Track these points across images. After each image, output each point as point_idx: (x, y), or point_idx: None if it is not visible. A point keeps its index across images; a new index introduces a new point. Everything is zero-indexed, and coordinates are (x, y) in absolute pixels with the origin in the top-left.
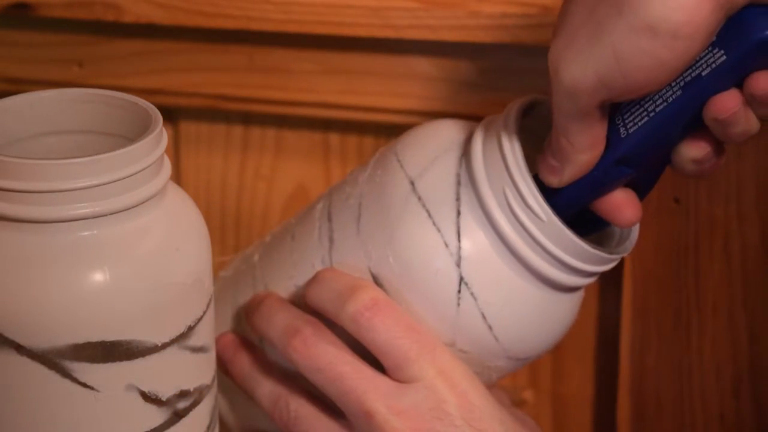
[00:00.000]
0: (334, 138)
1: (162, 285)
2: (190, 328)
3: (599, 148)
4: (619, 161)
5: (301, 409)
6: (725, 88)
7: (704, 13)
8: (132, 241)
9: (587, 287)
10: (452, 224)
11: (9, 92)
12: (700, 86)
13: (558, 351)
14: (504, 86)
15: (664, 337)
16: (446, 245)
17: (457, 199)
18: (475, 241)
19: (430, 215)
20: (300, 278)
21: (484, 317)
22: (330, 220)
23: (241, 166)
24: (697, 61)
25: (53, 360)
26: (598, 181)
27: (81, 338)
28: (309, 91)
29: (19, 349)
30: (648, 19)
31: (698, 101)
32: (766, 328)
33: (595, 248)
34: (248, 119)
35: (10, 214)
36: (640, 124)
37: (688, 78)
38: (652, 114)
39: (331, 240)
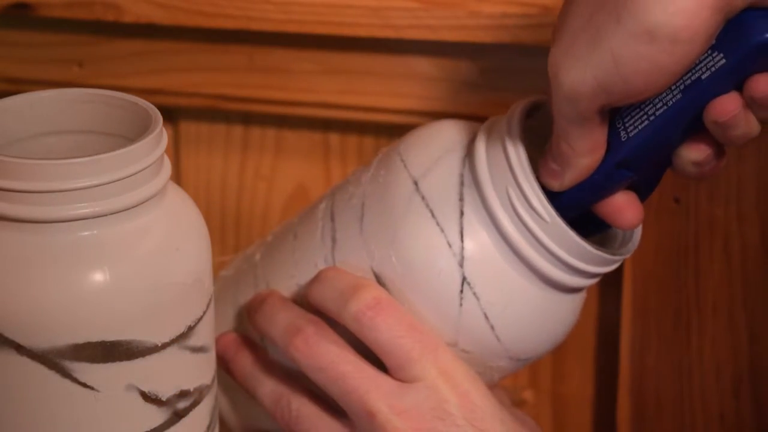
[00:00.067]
0: (334, 138)
1: (162, 285)
2: (190, 328)
3: (600, 152)
4: (620, 164)
5: (302, 408)
6: (725, 91)
7: (703, 17)
8: (132, 241)
9: (588, 288)
10: (455, 224)
11: (9, 92)
12: (700, 89)
13: (558, 351)
14: (504, 86)
15: (664, 337)
16: (449, 245)
17: (461, 199)
18: (478, 242)
19: (433, 215)
20: (302, 277)
21: (486, 317)
22: (333, 219)
23: (241, 166)
24: (697, 65)
25: (53, 360)
26: (599, 184)
27: (81, 338)
28: (309, 91)
29: (19, 349)
30: (647, 24)
31: (698, 104)
32: (766, 328)
33: (598, 249)
34: (248, 119)
35: (10, 214)
36: (640, 127)
37: (688, 81)
38: (652, 117)
39: (333, 239)
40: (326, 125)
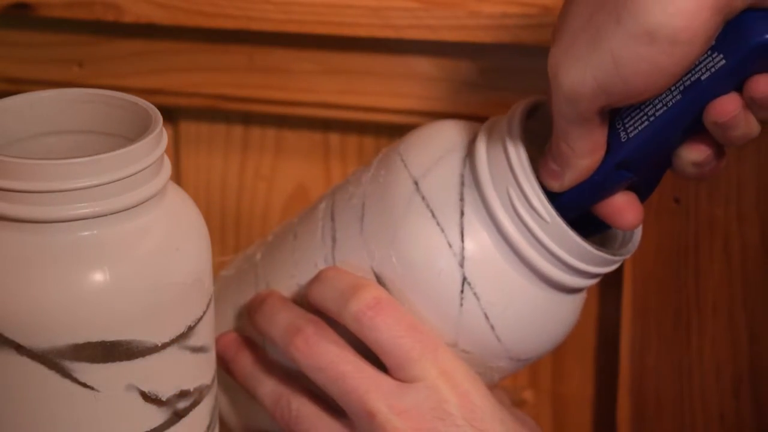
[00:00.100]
0: (334, 138)
1: (162, 285)
2: (190, 328)
3: (600, 153)
4: (620, 165)
5: (302, 408)
6: (725, 92)
7: (703, 18)
8: (132, 241)
9: (588, 288)
10: (456, 224)
11: (9, 92)
12: (700, 90)
13: (558, 351)
14: (504, 86)
15: (664, 337)
16: (449, 245)
17: (461, 199)
18: (479, 242)
19: (433, 215)
20: (302, 277)
21: (486, 317)
22: (333, 219)
23: (241, 166)
24: (697, 66)
25: (53, 360)
26: (598, 185)
27: (81, 338)
28: (309, 91)
29: (19, 349)
30: (647, 25)
31: (698, 105)
32: (766, 328)
33: (598, 250)
34: (248, 119)
35: (10, 214)
36: (640, 128)
37: (688, 82)
38: (652, 118)
39: (333, 239)
40: (326, 125)
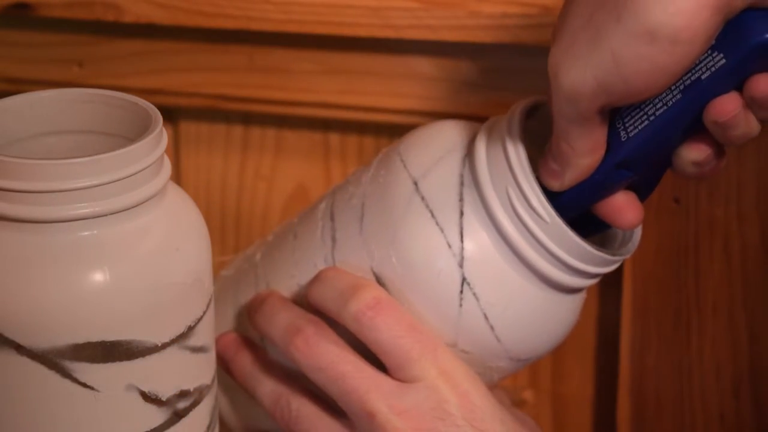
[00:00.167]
0: (334, 138)
1: (162, 285)
2: (190, 328)
3: (600, 152)
4: (620, 165)
5: (302, 408)
6: (725, 91)
7: (703, 17)
8: (132, 241)
9: (588, 288)
10: (455, 225)
11: (9, 92)
12: (700, 90)
13: (558, 351)
14: (504, 86)
15: (664, 337)
16: (449, 246)
17: (461, 199)
18: (478, 242)
19: (433, 215)
20: (302, 277)
21: (486, 318)
22: (333, 219)
23: (241, 166)
24: (697, 65)
25: (53, 360)
26: (598, 184)
27: (81, 338)
28: (309, 91)
29: (19, 349)
30: (647, 24)
31: (698, 104)
32: (766, 328)
33: (598, 250)
34: (248, 119)
35: (10, 214)
36: (640, 127)
37: (688, 81)
38: (652, 117)
39: (333, 239)
40: (326, 125)
